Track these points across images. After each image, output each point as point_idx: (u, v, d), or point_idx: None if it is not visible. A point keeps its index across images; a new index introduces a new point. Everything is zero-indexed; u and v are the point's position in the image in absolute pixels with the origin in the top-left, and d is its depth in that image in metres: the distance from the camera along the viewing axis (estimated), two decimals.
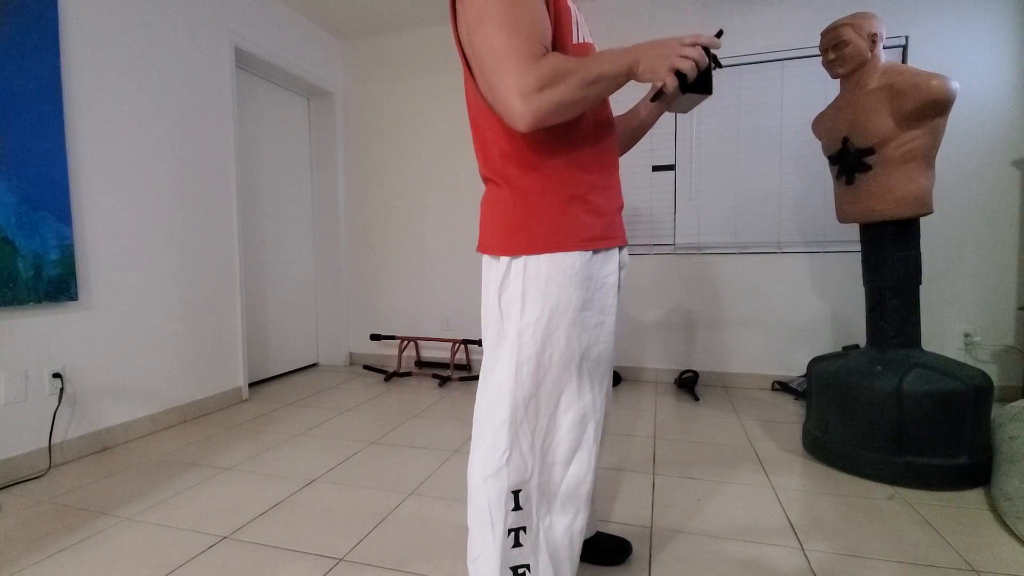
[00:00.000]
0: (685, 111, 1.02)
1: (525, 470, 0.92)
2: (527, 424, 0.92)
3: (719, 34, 0.89)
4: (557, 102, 0.78)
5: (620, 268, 1.00)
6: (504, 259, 0.92)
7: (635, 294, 3.12)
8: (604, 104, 0.99)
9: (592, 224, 0.92)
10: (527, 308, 0.90)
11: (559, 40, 0.88)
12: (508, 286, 0.92)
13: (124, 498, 1.64)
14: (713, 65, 0.86)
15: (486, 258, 0.99)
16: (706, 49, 0.82)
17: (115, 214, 2.12)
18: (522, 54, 0.78)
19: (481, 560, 0.92)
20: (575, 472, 0.95)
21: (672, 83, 0.80)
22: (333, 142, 3.59)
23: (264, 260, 3.19)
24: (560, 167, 0.91)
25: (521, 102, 0.78)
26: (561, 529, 0.94)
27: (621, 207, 1.01)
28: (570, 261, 0.89)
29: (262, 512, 1.54)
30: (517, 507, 0.91)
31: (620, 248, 1.00)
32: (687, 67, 0.79)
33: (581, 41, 0.93)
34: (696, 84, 0.82)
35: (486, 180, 0.99)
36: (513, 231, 0.91)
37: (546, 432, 0.93)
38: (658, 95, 0.97)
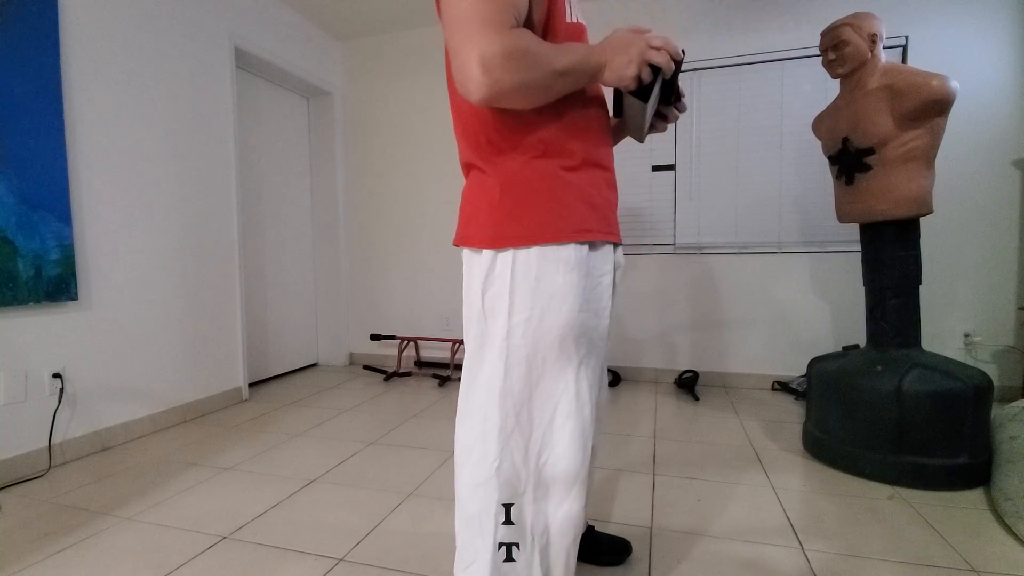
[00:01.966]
0: (641, 137, 0.99)
1: (518, 483, 0.86)
2: (519, 434, 0.85)
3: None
4: (520, 82, 0.72)
5: (615, 269, 0.95)
6: (487, 252, 0.84)
7: (635, 294, 3.11)
8: (597, 86, 0.93)
9: (587, 215, 0.85)
10: (516, 307, 0.83)
11: (553, 18, 0.83)
12: (493, 282, 0.85)
13: (124, 498, 1.63)
14: (677, 71, 0.84)
15: (466, 252, 0.92)
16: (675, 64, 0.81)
17: (115, 214, 2.12)
18: (489, 20, 0.70)
19: (473, 568, 0.88)
20: (570, 477, 0.88)
21: (634, 85, 0.80)
22: (332, 142, 3.59)
23: (264, 260, 3.19)
24: (553, 153, 0.84)
25: (480, 70, 0.70)
26: (557, 548, 0.89)
27: (616, 202, 0.95)
28: (564, 256, 0.82)
29: (262, 512, 1.54)
30: (508, 521, 0.86)
31: (615, 247, 0.95)
32: (645, 74, 0.79)
33: (574, 21, 0.87)
34: (649, 91, 0.82)
35: (469, 167, 0.92)
36: (500, 222, 0.83)
37: (541, 444, 0.86)
38: (618, 110, 0.94)
